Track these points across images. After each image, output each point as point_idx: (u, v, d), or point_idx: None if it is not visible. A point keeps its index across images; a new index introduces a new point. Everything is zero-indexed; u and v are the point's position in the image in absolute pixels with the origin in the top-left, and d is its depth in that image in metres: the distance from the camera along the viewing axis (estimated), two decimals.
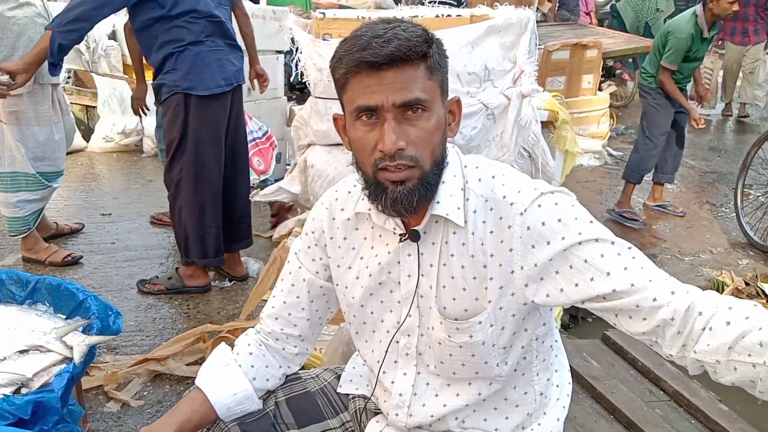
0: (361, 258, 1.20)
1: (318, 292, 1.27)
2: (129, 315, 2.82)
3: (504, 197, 1.07)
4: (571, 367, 1.34)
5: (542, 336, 1.17)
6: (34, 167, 3.11)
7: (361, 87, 1.01)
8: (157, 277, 3.11)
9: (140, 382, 2.37)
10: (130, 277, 3.19)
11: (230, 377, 1.24)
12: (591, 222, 1.04)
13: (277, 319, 1.28)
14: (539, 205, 1.04)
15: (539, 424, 1.21)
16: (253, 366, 1.27)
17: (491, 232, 1.07)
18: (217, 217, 2.96)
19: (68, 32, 2.62)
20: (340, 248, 1.22)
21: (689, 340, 0.95)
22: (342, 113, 1.11)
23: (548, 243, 1.02)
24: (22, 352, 1.60)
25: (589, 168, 5.33)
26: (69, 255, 3.32)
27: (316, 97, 2.23)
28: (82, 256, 3.36)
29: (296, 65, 2.25)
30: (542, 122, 2.48)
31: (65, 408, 1.56)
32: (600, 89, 6.02)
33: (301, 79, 2.29)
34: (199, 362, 2.47)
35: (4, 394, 1.47)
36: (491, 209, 1.07)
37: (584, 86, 5.55)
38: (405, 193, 1.03)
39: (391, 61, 0.98)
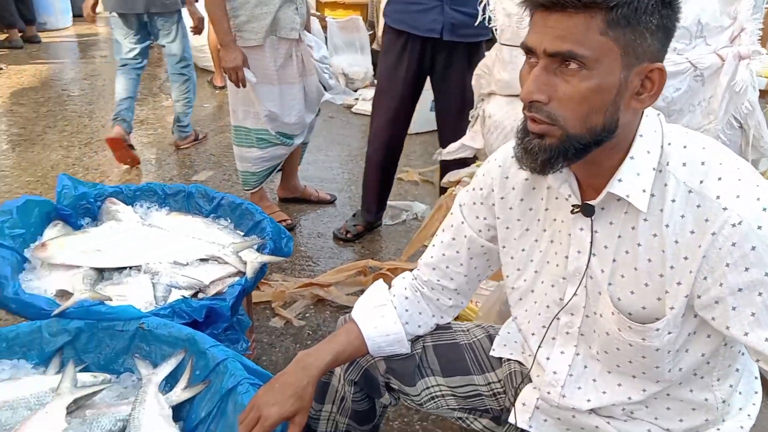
0: (539, 220, 1.11)
1: (479, 251, 1.21)
2: (300, 241, 3.01)
3: (718, 197, 0.90)
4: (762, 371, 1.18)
5: (731, 341, 1.03)
6: (270, 126, 2.92)
7: (532, 25, 0.92)
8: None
9: (304, 304, 2.53)
10: (306, 209, 3.38)
11: (385, 317, 1.24)
12: None
13: (434, 269, 1.25)
14: (759, 227, 0.87)
15: (718, 429, 1.09)
16: (407, 310, 1.27)
17: (692, 232, 0.91)
18: None
19: None
20: (512, 209, 1.14)
21: None
22: None
23: (746, 269, 0.88)
24: (202, 260, 1.77)
25: None
26: (285, 220, 3.08)
27: (501, 44, 2.12)
28: (295, 226, 3.17)
29: (483, 9, 2.15)
30: (760, 90, 2.16)
31: (234, 317, 1.69)
32: None
33: (488, 24, 2.18)
34: (358, 294, 2.58)
35: (183, 296, 1.64)
36: (698, 206, 0.91)
37: None
38: (535, 148, 0.91)
39: (556, 4, 0.86)
